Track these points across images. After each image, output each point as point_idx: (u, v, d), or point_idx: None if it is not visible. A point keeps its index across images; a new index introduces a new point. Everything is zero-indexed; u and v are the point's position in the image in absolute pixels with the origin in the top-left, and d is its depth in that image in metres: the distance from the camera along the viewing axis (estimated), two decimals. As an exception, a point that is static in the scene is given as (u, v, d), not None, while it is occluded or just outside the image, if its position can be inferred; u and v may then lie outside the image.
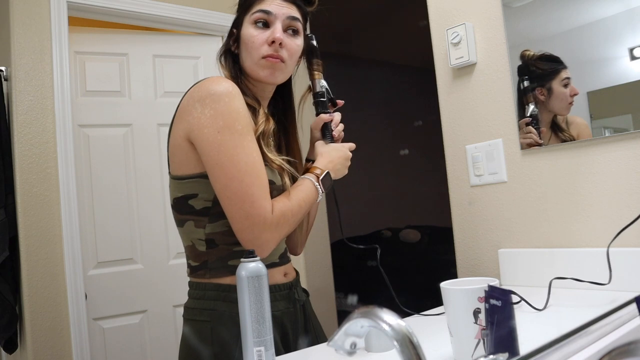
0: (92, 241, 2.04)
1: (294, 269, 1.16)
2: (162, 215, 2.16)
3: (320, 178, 1.04)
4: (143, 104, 2.22)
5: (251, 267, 0.82)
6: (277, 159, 1.02)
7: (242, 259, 0.83)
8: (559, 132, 1.31)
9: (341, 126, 1.21)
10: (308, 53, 1.19)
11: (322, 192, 1.04)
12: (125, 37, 2.25)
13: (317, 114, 1.19)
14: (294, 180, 1.08)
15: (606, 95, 1.24)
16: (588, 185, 1.25)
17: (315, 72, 1.19)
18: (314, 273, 2.42)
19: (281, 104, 1.19)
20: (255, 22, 1.05)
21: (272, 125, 1.04)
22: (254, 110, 1.04)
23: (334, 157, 1.08)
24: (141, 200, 2.16)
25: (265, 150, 1.00)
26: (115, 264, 2.09)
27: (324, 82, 1.20)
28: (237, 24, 1.10)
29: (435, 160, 2.07)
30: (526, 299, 1.10)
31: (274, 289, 1.01)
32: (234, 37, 1.10)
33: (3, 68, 1.83)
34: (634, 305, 0.77)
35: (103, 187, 2.09)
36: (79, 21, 2.08)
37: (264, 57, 1.03)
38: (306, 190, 1.01)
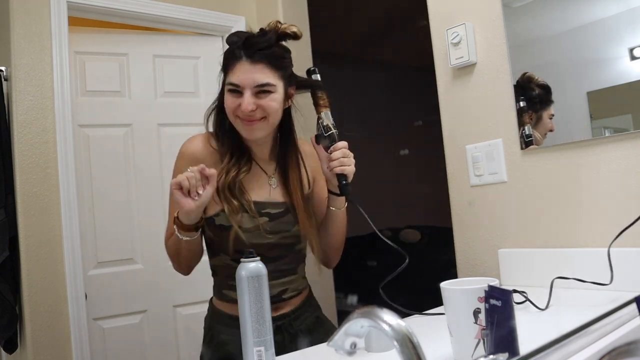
0: (92, 241, 2.04)
1: (303, 299, 1.26)
2: (162, 215, 2.15)
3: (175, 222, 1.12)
4: (143, 104, 2.22)
5: (251, 267, 0.82)
6: (236, 205, 1.13)
7: (242, 259, 0.84)
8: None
9: (338, 154, 1.19)
10: (312, 87, 1.23)
11: (178, 234, 1.11)
12: (125, 37, 2.25)
13: (326, 151, 1.20)
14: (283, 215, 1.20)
15: (606, 95, 1.24)
16: (588, 185, 1.25)
17: (320, 107, 1.22)
18: (314, 273, 2.42)
19: (283, 146, 1.25)
20: (230, 90, 1.14)
21: (232, 175, 1.15)
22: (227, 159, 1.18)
23: None
24: (141, 200, 2.16)
25: (228, 196, 1.13)
26: (115, 264, 2.09)
27: (327, 117, 1.21)
28: (222, 83, 1.19)
29: (435, 160, 2.07)
30: (528, 298, 1.10)
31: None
32: (220, 93, 1.20)
33: (3, 68, 1.83)
34: (634, 305, 0.78)
35: (103, 187, 2.09)
36: (79, 21, 2.08)
37: (239, 119, 1.14)
38: (174, 234, 1.14)
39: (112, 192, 2.12)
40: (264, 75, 1.12)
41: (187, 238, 1.11)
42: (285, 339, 1.17)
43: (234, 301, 1.05)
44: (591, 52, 1.26)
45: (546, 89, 1.35)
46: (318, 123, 1.22)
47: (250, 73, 1.12)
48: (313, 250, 1.25)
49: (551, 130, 1.35)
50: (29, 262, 1.77)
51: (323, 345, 1.00)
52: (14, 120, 1.80)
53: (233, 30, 2.33)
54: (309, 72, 1.25)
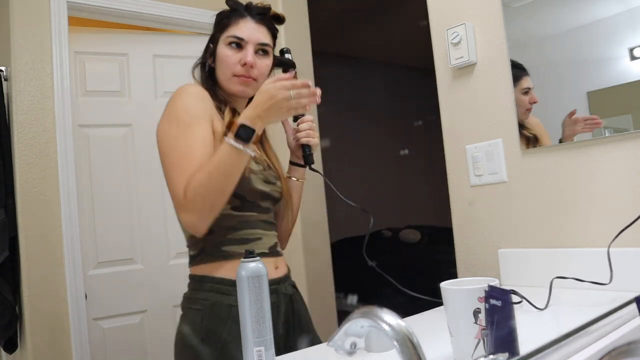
0: (92, 241, 2.04)
1: (286, 264, 1.23)
2: (162, 215, 2.16)
3: (236, 133, 0.99)
4: (143, 104, 2.22)
5: (251, 267, 0.82)
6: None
7: (242, 260, 0.84)
8: (522, 129, 1.38)
9: (306, 125, 1.25)
10: (284, 66, 1.26)
11: (242, 146, 0.98)
12: (125, 37, 2.25)
13: (294, 122, 1.27)
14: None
15: (606, 95, 1.24)
16: (588, 185, 1.25)
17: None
18: (314, 273, 2.42)
19: None
20: (230, 44, 1.18)
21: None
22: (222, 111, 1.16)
23: (258, 102, 1.01)
24: (141, 200, 2.16)
25: None
26: (115, 264, 2.09)
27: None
28: (214, 40, 1.22)
29: (435, 160, 2.07)
30: (526, 299, 1.10)
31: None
32: (210, 51, 1.23)
33: (3, 68, 1.83)
34: (634, 305, 0.78)
35: (103, 187, 2.09)
36: (79, 21, 2.08)
37: (235, 75, 1.16)
38: (220, 152, 0.99)
39: (112, 192, 2.12)
40: (265, 36, 1.19)
41: (253, 153, 1.03)
42: (291, 303, 1.17)
43: (231, 256, 1.08)
44: (591, 52, 1.26)
45: (513, 65, 1.38)
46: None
47: (255, 31, 1.18)
48: (283, 217, 1.27)
49: (534, 102, 1.36)
50: (29, 262, 1.77)
51: (323, 345, 1.00)
52: (14, 120, 1.80)
53: (233, 30, 2.33)
54: (282, 52, 1.27)
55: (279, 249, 1.20)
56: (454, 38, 1.47)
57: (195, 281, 1.12)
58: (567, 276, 1.17)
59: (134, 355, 2.08)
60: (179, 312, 2.25)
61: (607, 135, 1.24)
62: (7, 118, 1.82)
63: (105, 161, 2.11)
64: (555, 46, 1.33)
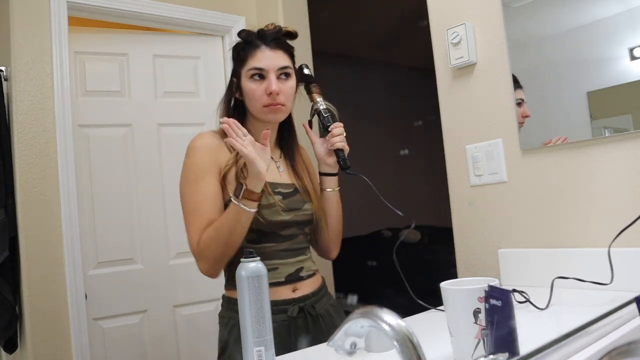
0: (92, 241, 2.04)
1: (320, 283, 1.29)
2: (162, 215, 2.16)
3: (241, 195, 1.10)
4: (143, 104, 2.22)
5: (251, 267, 0.82)
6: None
7: (242, 259, 0.84)
8: None
9: (339, 130, 1.30)
10: (305, 81, 1.32)
11: (244, 206, 1.09)
12: (125, 37, 2.25)
13: (324, 129, 1.31)
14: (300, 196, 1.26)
15: (606, 95, 1.24)
16: (588, 185, 1.25)
17: (315, 94, 1.32)
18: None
19: (286, 135, 1.33)
20: (252, 76, 1.21)
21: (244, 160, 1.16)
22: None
23: (248, 171, 1.12)
24: (141, 200, 2.16)
25: (242, 179, 1.15)
26: (115, 264, 2.09)
27: (321, 103, 1.32)
28: (236, 74, 1.25)
29: (435, 160, 2.07)
30: (529, 299, 1.10)
31: (274, 304, 1.10)
32: (235, 86, 1.26)
33: (3, 68, 1.83)
34: (634, 305, 0.78)
35: (103, 187, 2.09)
36: (79, 21, 2.08)
37: (265, 106, 1.20)
38: (228, 212, 1.12)
39: (112, 192, 2.12)
40: (284, 60, 1.23)
41: (254, 210, 1.11)
42: (308, 321, 1.20)
43: None
44: (591, 52, 1.26)
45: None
46: (313, 109, 1.32)
47: (273, 58, 1.21)
48: (322, 231, 1.31)
49: (526, 117, 1.37)
50: (29, 262, 1.77)
51: (323, 345, 1.00)
52: (14, 120, 1.80)
53: (233, 30, 2.33)
54: (301, 68, 1.32)
55: (304, 273, 1.23)
56: (454, 38, 1.47)
57: (223, 300, 1.24)
58: (568, 276, 1.17)
59: (134, 355, 2.08)
60: (179, 312, 2.25)
61: (607, 135, 1.24)
62: (7, 118, 1.82)
63: (105, 161, 2.11)
64: (555, 46, 1.32)
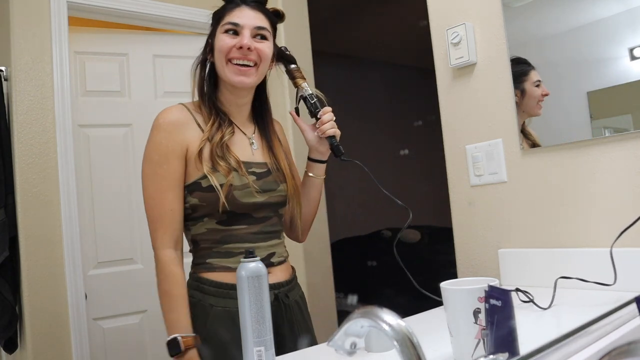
0: (92, 241, 2.04)
1: (291, 272, 1.23)
2: (162, 215, 2.16)
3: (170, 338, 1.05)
4: (143, 104, 2.22)
5: (251, 267, 0.82)
6: (225, 165, 1.11)
7: (242, 259, 0.83)
8: (527, 137, 1.38)
9: (329, 117, 1.24)
10: (285, 62, 1.27)
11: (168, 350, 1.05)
12: (125, 37, 2.25)
13: (312, 116, 1.26)
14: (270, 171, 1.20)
15: (606, 95, 1.24)
16: (588, 185, 1.25)
17: (299, 80, 1.26)
18: (314, 273, 2.42)
19: (260, 107, 1.27)
20: (226, 32, 1.15)
21: (218, 137, 1.13)
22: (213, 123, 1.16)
23: None
24: (141, 200, 2.15)
25: (216, 158, 1.11)
26: (115, 264, 2.09)
27: (306, 88, 1.26)
28: (211, 34, 1.21)
29: (435, 160, 2.07)
30: (532, 299, 1.10)
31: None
32: (209, 47, 1.21)
33: (3, 68, 1.83)
34: (634, 305, 0.78)
35: (103, 187, 2.09)
36: (79, 21, 2.08)
37: (231, 62, 1.13)
38: (172, 312, 1.08)
39: (112, 192, 2.12)
40: (262, 21, 1.17)
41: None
42: (282, 310, 1.14)
43: (223, 268, 1.12)
44: (591, 52, 1.26)
45: (517, 60, 1.38)
46: (298, 95, 1.26)
47: (251, 17, 1.15)
48: (294, 212, 1.27)
49: (545, 95, 1.35)
50: (29, 262, 1.77)
51: (323, 345, 1.00)
52: (14, 120, 1.80)
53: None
54: (281, 50, 1.27)
55: (275, 259, 1.18)
56: (454, 38, 1.47)
57: (190, 279, 1.17)
58: (567, 276, 1.17)
59: (134, 355, 2.08)
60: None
61: (607, 135, 1.24)
62: (7, 118, 1.82)
63: (105, 161, 2.11)
64: (555, 46, 1.33)
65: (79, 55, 2.10)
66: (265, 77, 1.23)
